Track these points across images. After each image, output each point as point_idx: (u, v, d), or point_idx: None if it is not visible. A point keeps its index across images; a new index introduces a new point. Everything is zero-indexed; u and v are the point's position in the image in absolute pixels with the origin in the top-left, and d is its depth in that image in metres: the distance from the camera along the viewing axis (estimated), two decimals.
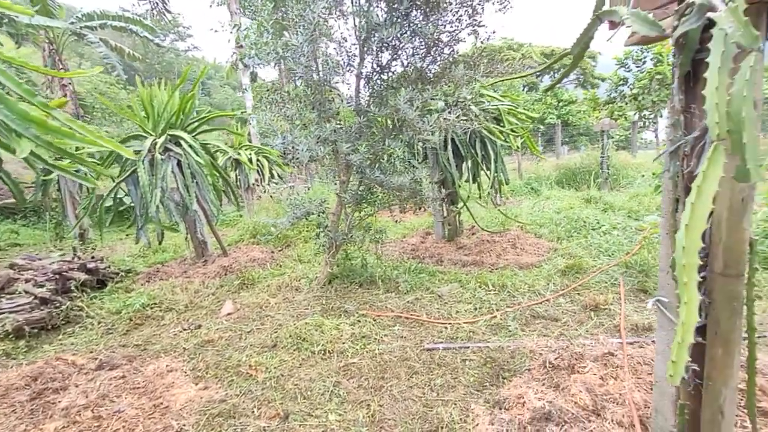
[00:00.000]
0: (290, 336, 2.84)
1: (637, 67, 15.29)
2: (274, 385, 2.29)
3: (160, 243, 5.08)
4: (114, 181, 4.50)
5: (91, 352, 2.90)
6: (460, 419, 1.88)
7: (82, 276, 3.97)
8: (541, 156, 7.73)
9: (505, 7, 3.11)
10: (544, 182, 10.08)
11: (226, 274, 4.55)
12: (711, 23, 0.94)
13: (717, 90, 0.81)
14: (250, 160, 8.55)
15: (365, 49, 3.25)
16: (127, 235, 8.15)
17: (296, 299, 3.64)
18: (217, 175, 4.95)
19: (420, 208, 4.21)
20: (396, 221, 5.18)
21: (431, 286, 3.69)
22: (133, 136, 4.64)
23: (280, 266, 4.80)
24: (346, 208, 3.82)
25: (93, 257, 4.62)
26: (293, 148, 3.10)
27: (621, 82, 16.00)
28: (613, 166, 9.40)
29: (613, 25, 1.36)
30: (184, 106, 4.65)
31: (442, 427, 1.84)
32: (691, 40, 1.04)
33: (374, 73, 3.38)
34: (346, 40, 3.30)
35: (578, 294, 3.32)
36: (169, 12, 13.95)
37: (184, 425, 1.94)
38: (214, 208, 4.77)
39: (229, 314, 3.45)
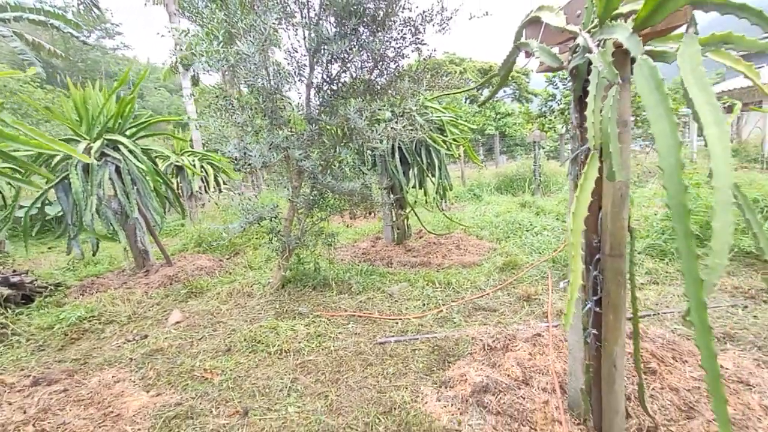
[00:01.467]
0: (245, 339, 2.86)
1: (564, 85, 16.87)
2: (231, 385, 2.33)
3: (94, 254, 4.76)
4: (42, 187, 4.17)
5: (22, 370, 2.70)
6: (411, 399, 2.07)
7: (5, 291, 3.64)
8: (480, 164, 8.33)
9: (444, 29, 3.43)
10: (485, 188, 10.81)
11: (171, 284, 4.38)
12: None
13: (593, 112, 1.08)
14: (194, 167, 8.22)
15: (315, 60, 3.40)
16: (49, 248, 7.44)
17: (249, 305, 3.64)
18: (161, 181, 4.77)
19: (370, 213, 4.40)
20: (347, 226, 5.32)
21: (382, 286, 3.88)
22: (64, 140, 4.34)
23: (230, 273, 4.72)
24: (298, 213, 3.91)
25: (15, 271, 4.23)
26: (245, 153, 3.14)
27: (550, 98, 17.54)
28: (544, 174, 10.35)
29: (528, 55, 1.66)
30: (122, 110, 4.45)
31: (395, 408, 2.02)
32: (581, 71, 1.34)
33: (324, 84, 3.53)
34: (296, 51, 3.42)
35: (514, 287, 3.69)
36: (97, 7, 13.01)
37: (139, 429, 1.93)
38: (158, 215, 4.59)
39: (177, 323, 3.37)
